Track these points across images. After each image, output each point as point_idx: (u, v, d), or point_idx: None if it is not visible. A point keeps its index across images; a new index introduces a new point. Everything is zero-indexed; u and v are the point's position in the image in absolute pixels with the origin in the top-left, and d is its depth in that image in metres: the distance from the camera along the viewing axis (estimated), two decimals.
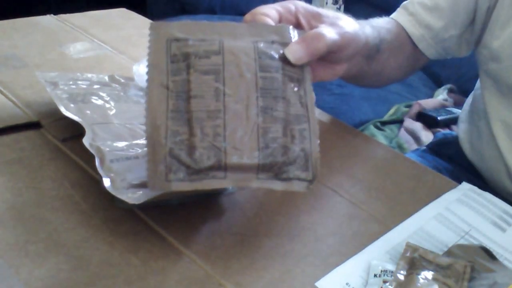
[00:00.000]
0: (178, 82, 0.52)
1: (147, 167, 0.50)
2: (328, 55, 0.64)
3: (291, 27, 0.61)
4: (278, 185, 0.54)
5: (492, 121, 0.88)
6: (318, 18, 0.66)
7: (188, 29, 0.55)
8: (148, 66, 0.53)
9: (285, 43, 0.59)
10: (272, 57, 0.57)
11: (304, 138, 0.55)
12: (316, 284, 0.54)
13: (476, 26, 0.88)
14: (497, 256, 0.59)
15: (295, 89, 0.56)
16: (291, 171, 0.54)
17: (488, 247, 0.60)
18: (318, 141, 0.56)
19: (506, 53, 0.81)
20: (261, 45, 0.57)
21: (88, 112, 0.66)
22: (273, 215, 0.63)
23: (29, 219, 0.57)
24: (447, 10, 0.88)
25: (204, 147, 0.50)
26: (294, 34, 0.60)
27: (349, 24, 0.67)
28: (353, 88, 1.82)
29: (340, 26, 0.65)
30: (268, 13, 0.62)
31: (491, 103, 0.89)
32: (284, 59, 0.57)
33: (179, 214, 0.61)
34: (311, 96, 0.57)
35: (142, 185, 0.58)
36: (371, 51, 0.77)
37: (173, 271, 0.54)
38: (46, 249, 0.54)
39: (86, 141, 0.60)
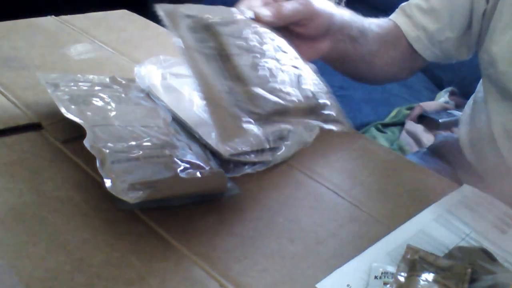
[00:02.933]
0: (209, 48, 0.55)
1: (214, 125, 0.51)
2: (299, 27, 0.72)
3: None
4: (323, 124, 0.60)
5: (493, 124, 0.88)
6: None
7: (193, 9, 0.60)
8: (177, 40, 0.55)
9: None
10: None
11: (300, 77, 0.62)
12: (317, 285, 0.54)
13: (474, 30, 0.89)
14: (498, 258, 0.59)
15: None
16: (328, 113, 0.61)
17: (488, 249, 0.60)
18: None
19: (504, 58, 0.82)
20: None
21: (89, 113, 0.67)
22: (274, 217, 0.63)
23: (30, 220, 0.57)
24: (443, 13, 0.89)
25: (261, 94, 0.54)
26: None
27: (319, 2, 0.73)
28: (354, 90, 1.82)
29: (308, 1, 0.71)
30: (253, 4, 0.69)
31: (492, 106, 0.89)
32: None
33: (179, 216, 0.61)
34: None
35: (143, 186, 0.58)
36: (352, 31, 0.81)
37: (174, 272, 0.54)
38: (47, 250, 0.54)
39: (87, 142, 0.60)
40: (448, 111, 1.85)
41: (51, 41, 0.98)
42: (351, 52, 0.82)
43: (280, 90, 0.56)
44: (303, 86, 0.59)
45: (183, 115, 0.73)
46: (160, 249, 0.56)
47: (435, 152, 1.08)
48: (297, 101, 0.56)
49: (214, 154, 0.69)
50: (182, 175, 0.62)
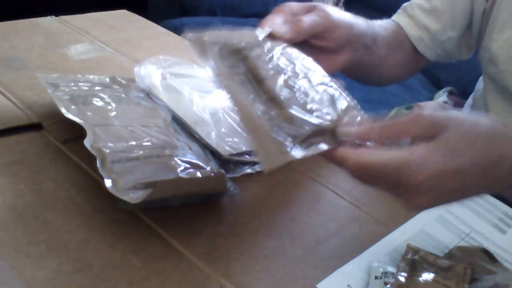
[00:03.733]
0: (240, 73, 0.55)
1: (257, 151, 0.51)
2: (320, 40, 0.69)
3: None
4: None
5: None
6: (312, 10, 0.70)
7: (217, 36, 0.60)
8: (208, 65, 0.56)
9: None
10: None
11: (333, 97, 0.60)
12: (317, 286, 0.54)
13: (474, 29, 0.89)
14: (498, 258, 0.59)
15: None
16: None
17: (488, 249, 0.60)
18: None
19: (503, 57, 0.82)
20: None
21: (89, 113, 0.67)
22: (274, 217, 0.63)
23: (31, 220, 0.57)
24: (444, 12, 0.89)
25: (298, 116, 0.53)
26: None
27: (335, 12, 0.71)
28: (353, 90, 1.81)
29: (325, 12, 0.70)
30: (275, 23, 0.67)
31: (492, 105, 0.89)
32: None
33: (180, 216, 0.61)
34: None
35: (143, 186, 0.58)
36: (367, 40, 0.79)
37: (174, 272, 0.54)
38: (47, 250, 0.54)
39: (87, 142, 0.60)
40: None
41: (51, 41, 0.98)
42: (365, 60, 0.81)
43: (317, 110, 0.55)
44: (338, 105, 0.58)
45: (183, 115, 0.73)
46: (160, 249, 0.56)
47: None
48: (334, 120, 0.55)
49: (214, 154, 0.69)
50: (182, 175, 0.62)
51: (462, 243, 0.62)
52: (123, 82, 0.78)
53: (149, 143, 0.65)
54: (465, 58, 0.95)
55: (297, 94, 0.55)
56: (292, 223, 0.63)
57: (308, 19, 0.67)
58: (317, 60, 0.66)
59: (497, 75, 0.84)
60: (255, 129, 0.51)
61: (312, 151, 0.52)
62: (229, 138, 0.72)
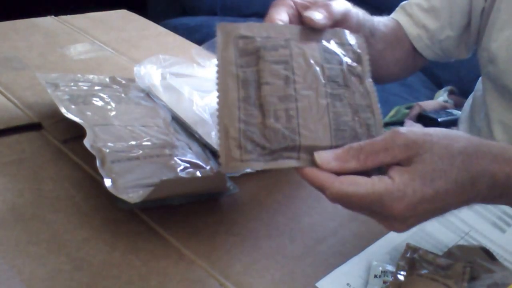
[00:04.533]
0: (247, 73, 0.54)
1: (219, 150, 0.51)
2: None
3: (347, 31, 0.63)
4: None
5: (492, 122, 0.89)
6: (314, 3, 0.67)
7: (253, 28, 0.57)
8: (218, 59, 0.54)
9: (343, 44, 0.61)
10: (333, 53, 0.59)
11: (369, 127, 0.56)
12: (317, 284, 0.54)
13: (473, 28, 0.89)
14: (497, 257, 0.59)
15: (357, 81, 0.59)
16: None
17: (487, 248, 0.60)
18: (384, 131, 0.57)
19: (503, 56, 0.82)
20: (323, 42, 0.59)
21: (89, 113, 0.67)
22: (274, 216, 0.63)
23: (30, 220, 0.57)
24: (443, 11, 0.89)
25: (278, 128, 0.51)
26: (350, 37, 0.62)
27: (339, 2, 0.68)
28: None
29: (330, 2, 0.67)
30: (283, 19, 0.63)
31: (491, 104, 0.89)
32: (344, 55, 0.59)
33: (180, 215, 0.61)
34: (373, 90, 0.59)
35: (143, 186, 0.58)
36: (365, 31, 0.78)
37: (174, 272, 0.54)
38: (47, 249, 0.54)
39: (87, 142, 0.61)
40: (447, 110, 1.85)
41: (51, 41, 0.98)
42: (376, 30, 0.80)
43: (304, 126, 0.52)
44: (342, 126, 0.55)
45: (182, 114, 0.73)
46: (160, 248, 0.56)
47: None
48: (310, 138, 0.52)
49: (213, 153, 0.69)
50: (182, 174, 0.62)
51: (462, 242, 0.62)
52: (123, 82, 0.78)
53: (149, 143, 0.65)
54: (464, 57, 0.95)
55: (291, 106, 0.53)
56: (291, 222, 0.63)
57: (337, 6, 0.64)
58: None
59: (496, 74, 0.84)
60: (227, 126, 0.51)
61: (277, 165, 0.51)
62: None
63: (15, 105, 0.76)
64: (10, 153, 0.66)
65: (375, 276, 0.55)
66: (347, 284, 0.55)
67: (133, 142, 0.64)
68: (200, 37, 1.91)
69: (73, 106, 0.67)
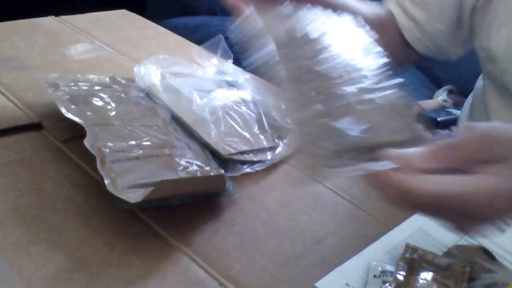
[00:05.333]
0: (292, 68, 0.51)
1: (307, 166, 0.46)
2: None
3: None
4: None
5: (491, 121, 0.89)
6: None
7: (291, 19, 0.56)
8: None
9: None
10: None
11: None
12: (316, 284, 0.55)
13: (464, 25, 0.89)
14: (497, 257, 0.59)
15: None
16: None
17: (487, 248, 0.60)
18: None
19: (501, 55, 0.82)
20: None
21: (89, 113, 0.67)
22: (273, 216, 0.63)
23: (31, 220, 0.57)
24: (432, 3, 0.89)
25: (343, 128, 0.47)
26: None
27: None
28: None
29: None
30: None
31: (491, 103, 0.89)
32: None
33: (179, 215, 0.61)
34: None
35: (143, 186, 0.58)
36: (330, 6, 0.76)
37: (174, 271, 0.54)
38: (47, 249, 0.54)
39: (87, 142, 0.61)
40: (447, 109, 1.85)
41: (51, 41, 0.98)
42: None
43: (372, 122, 0.48)
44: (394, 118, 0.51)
45: (182, 114, 0.73)
46: (160, 248, 0.56)
47: None
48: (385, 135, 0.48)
49: (213, 153, 0.69)
50: (182, 174, 0.62)
51: (461, 242, 0.62)
52: (123, 82, 0.78)
53: (148, 143, 0.65)
54: (459, 54, 0.95)
55: (342, 104, 0.49)
56: (291, 222, 0.63)
57: None
58: None
59: (496, 73, 0.84)
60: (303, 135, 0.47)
61: (358, 170, 0.45)
62: (229, 138, 0.72)
63: (15, 105, 0.76)
64: (10, 153, 0.67)
65: (375, 276, 0.55)
66: (347, 284, 0.55)
67: (133, 142, 0.64)
68: (200, 37, 1.91)
69: (73, 106, 0.67)
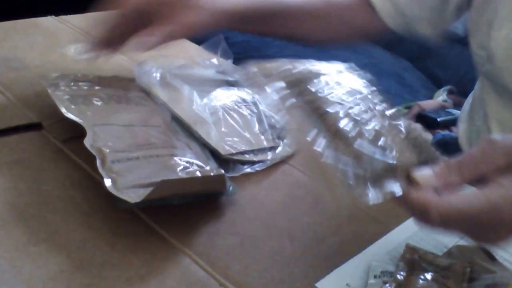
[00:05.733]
0: (304, 102, 0.53)
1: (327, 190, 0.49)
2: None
3: None
4: None
5: (490, 121, 0.89)
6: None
7: (277, 67, 0.57)
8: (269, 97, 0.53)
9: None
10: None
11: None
12: (317, 284, 0.55)
13: (447, 14, 0.89)
14: (497, 257, 0.59)
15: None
16: None
17: (487, 248, 0.60)
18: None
19: (500, 54, 0.82)
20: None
21: (89, 113, 0.67)
22: (274, 216, 0.63)
23: (31, 220, 0.57)
24: None
25: (366, 152, 0.49)
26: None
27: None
28: None
29: None
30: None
31: (489, 103, 0.89)
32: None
33: (179, 215, 0.61)
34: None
35: (143, 186, 0.58)
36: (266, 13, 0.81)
37: (174, 272, 0.54)
38: (47, 250, 0.54)
39: (87, 142, 0.61)
40: (447, 110, 1.85)
41: (51, 41, 0.98)
42: (280, 6, 0.82)
43: (389, 147, 0.50)
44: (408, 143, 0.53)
45: (182, 114, 0.73)
46: (160, 248, 0.56)
47: None
48: (406, 159, 0.50)
49: (213, 153, 0.69)
50: (182, 174, 0.62)
51: (461, 242, 0.62)
52: (123, 82, 0.78)
53: (148, 143, 0.65)
54: (431, 38, 0.95)
55: (364, 128, 0.51)
56: (291, 222, 0.63)
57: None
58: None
59: (494, 72, 0.84)
60: (322, 170, 0.49)
61: (384, 195, 0.48)
62: (229, 138, 0.72)
63: (15, 105, 0.76)
64: (10, 153, 0.66)
65: (375, 277, 0.55)
66: (347, 284, 0.55)
67: (133, 142, 0.64)
68: (200, 36, 1.91)
69: (73, 106, 0.67)
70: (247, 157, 0.71)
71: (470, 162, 0.48)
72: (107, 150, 0.61)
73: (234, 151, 0.70)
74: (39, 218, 0.58)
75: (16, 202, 0.59)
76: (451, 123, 1.73)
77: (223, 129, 0.73)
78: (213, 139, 0.70)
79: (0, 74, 0.83)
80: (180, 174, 0.62)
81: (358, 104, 0.53)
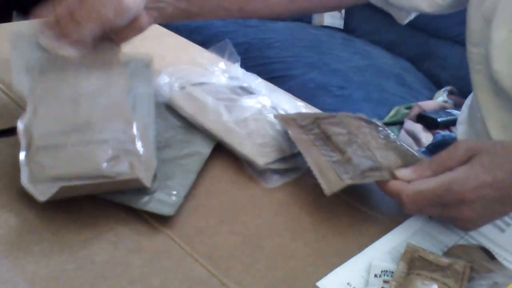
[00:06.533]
0: (314, 134, 0.70)
1: (319, 180, 0.63)
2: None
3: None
4: None
5: (487, 122, 0.89)
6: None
7: (302, 115, 0.76)
8: (292, 137, 0.69)
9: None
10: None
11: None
12: (317, 283, 0.55)
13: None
14: (497, 256, 0.59)
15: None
16: None
17: (487, 248, 0.60)
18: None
19: (497, 56, 0.82)
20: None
21: (40, 84, 0.64)
22: (275, 216, 0.64)
23: (33, 219, 0.58)
24: None
25: (357, 158, 0.65)
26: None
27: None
28: (353, 90, 1.82)
29: None
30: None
31: (485, 103, 0.89)
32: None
33: (181, 215, 0.61)
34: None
35: (56, 179, 0.58)
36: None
37: (176, 271, 0.54)
38: (50, 249, 0.54)
39: (20, 123, 0.61)
40: (447, 110, 1.86)
41: None
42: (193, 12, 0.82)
43: (372, 155, 0.66)
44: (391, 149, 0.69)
45: (213, 127, 0.73)
46: (162, 248, 0.57)
47: (434, 151, 1.08)
48: (390, 161, 0.66)
49: (249, 164, 0.70)
50: (106, 167, 0.60)
51: (461, 242, 0.62)
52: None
53: (87, 122, 0.63)
54: (399, 20, 0.96)
55: (359, 145, 0.68)
56: (292, 221, 0.63)
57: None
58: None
59: (491, 74, 0.84)
60: (318, 163, 0.65)
61: (366, 179, 0.63)
62: (264, 148, 0.71)
63: (17, 104, 0.76)
64: (13, 153, 0.66)
65: (375, 276, 0.56)
66: (348, 283, 0.55)
67: (72, 123, 0.63)
68: (202, 38, 1.91)
69: (27, 76, 0.65)
70: (282, 165, 0.70)
71: (439, 160, 0.61)
72: (36, 134, 0.60)
73: (270, 160, 0.70)
74: (42, 218, 0.58)
75: (17, 202, 0.59)
76: (451, 123, 1.73)
77: (258, 140, 0.72)
78: (248, 150, 0.70)
79: (1, 74, 0.83)
80: (103, 166, 0.59)
81: (364, 134, 0.71)
